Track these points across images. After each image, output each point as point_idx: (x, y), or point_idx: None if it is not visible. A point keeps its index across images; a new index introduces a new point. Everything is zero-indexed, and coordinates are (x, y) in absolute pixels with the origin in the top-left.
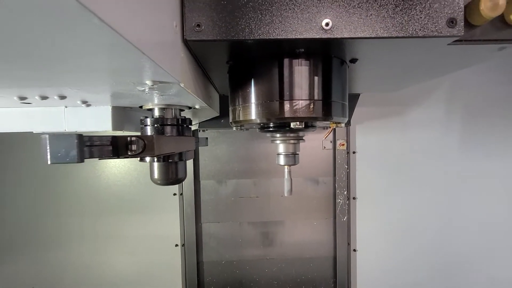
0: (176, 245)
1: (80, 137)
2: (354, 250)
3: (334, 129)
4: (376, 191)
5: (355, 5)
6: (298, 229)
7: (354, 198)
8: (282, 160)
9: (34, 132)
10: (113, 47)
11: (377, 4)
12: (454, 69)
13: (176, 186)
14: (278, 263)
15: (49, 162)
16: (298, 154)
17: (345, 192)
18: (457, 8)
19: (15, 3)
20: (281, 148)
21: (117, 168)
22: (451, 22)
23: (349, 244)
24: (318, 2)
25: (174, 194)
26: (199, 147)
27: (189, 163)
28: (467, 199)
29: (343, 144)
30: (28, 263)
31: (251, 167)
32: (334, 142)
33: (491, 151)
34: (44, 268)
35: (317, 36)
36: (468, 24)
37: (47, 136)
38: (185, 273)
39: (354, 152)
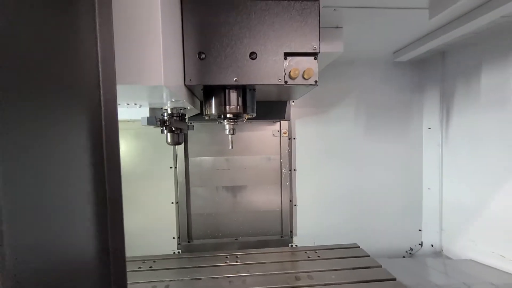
0: (172, 203)
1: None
2: (295, 205)
3: (280, 122)
4: (310, 165)
5: (246, 69)
6: (256, 191)
7: (294, 170)
8: (227, 131)
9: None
10: (163, 91)
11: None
12: (297, 95)
13: (172, 161)
14: (243, 214)
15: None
16: (234, 129)
17: (288, 166)
18: (283, 73)
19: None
20: (226, 127)
21: (132, 149)
22: (283, 78)
23: (291, 201)
24: (230, 68)
25: (171, 167)
26: (188, 135)
27: (182, 146)
28: (371, 169)
29: (285, 133)
30: None
31: (224, 149)
32: (280, 131)
33: (386, 137)
34: None
35: (232, 84)
36: (290, 78)
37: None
38: (179, 222)
39: (294, 138)
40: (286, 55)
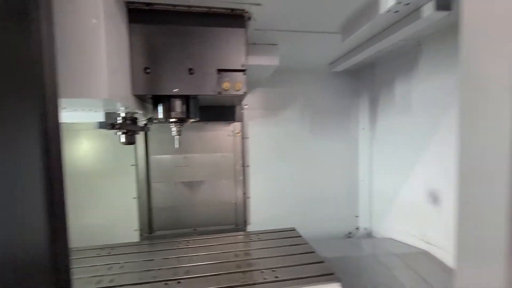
0: (134, 198)
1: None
2: (248, 197)
3: (234, 124)
4: (261, 161)
5: (186, 82)
6: (213, 186)
7: (247, 166)
8: (173, 133)
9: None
10: (111, 103)
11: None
12: (237, 101)
13: (133, 159)
14: (201, 207)
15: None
16: (180, 131)
17: (241, 162)
18: (217, 86)
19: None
20: (173, 129)
21: (94, 149)
22: (217, 90)
23: (244, 194)
24: (172, 81)
25: (132, 165)
26: (149, 135)
27: (143, 145)
28: (315, 164)
29: (238, 133)
30: None
31: (183, 147)
32: (234, 132)
33: (328, 136)
34: None
35: (174, 94)
36: (224, 90)
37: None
38: (140, 215)
39: (247, 138)
40: (219, 71)
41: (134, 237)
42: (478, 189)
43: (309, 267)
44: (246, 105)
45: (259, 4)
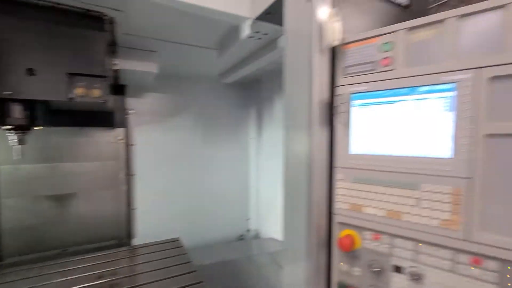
0: None
1: None
2: (133, 209)
3: (117, 130)
4: (150, 169)
5: (23, 84)
6: (89, 198)
7: (133, 175)
8: (13, 142)
9: None
10: None
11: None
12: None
13: None
14: (73, 224)
15: None
16: (22, 139)
17: (125, 171)
18: (68, 91)
19: None
20: (12, 137)
21: None
22: (68, 95)
23: (129, 205)
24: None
25: None
26: None
27: None
28: (207, 171)
29: (121, 139)
30: None
31: (49, 156)
32: (117, 138)
33: (220, 144)
34: None
35: (7, 97)
36: (78, 96)
37: None
38: None
39: (132, 145)
40: (70, 74)
41: None
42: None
43: (181, 277)
44: (132, 110)
45: (120, 11)
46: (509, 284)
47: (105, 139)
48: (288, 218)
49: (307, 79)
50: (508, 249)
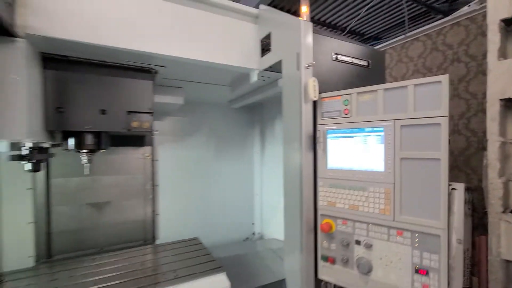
0: (29, 222)
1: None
2: (157, 214)
3: (145, 148)
4: (170, 181)
5: (97, 121)
6: (122, 206)
7: (157, 185)
8: (84, 161)
9: None
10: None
11: None
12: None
13: (30, 182)
14: (108, 227)
15: None
16: (91, 159)
17: (151, 182)
18: (127, 124)
19: None
20: (83, 157)
21: None
22: (127, 127)
23: (153, 211)
24: (85, 119)
25: (28, 189)
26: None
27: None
28: (218, 182)
29: (148, 156)
30: None
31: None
32: (144, 155)
33: (229, 158)
34: None
35: (86, 130)
36: (133, 127)
37: None
38: (36, 240)
39: (157, 160)
40: (129, 112)
41: (29, 263)
42: (291, 199)
43: (204, 265)
44: (157, 131)
45: (164, 66)
46: (416, 245)
47: (134, 156)
48: (288, 213)
49: (298, 119)
50: (415, 224)
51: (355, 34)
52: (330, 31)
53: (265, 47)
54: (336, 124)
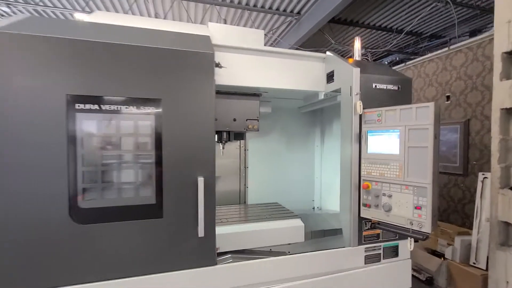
0: None
1: None
2: (247, 187)
3: (240, 141)
4: (255, 164)
5: (232, 123)
6: (226, 180)
7: (247, 167)
8: (221, 146)
9: None
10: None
11: None
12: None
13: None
14: (218, 194)
15: None
16: (224, 147)
17: (244, 165)
18: (246, 127)
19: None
20: (221, 145)
21: None
22: (246, 128)
23: (245, 185)
24: (225, 124)
25: None
26: None
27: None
28: (287, 168)
29: (242, 147)
30: None
31: None
32: (239, 145)
33: (297, 150)
34: None
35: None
36: (247, 128)
37: None
38: None
39: (247, 150)
40: (247, 119)
41: None
42: (345, 175)
43: (285, 214)
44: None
45: (266, 92)
46: (415, 194)
47: (233, 146)
48: (343, 180)
49: (350, 124)
50: (416, 182)
51: (411, 35)
52: (385, 36)
53: (329, 79)
54: (373, 127)
